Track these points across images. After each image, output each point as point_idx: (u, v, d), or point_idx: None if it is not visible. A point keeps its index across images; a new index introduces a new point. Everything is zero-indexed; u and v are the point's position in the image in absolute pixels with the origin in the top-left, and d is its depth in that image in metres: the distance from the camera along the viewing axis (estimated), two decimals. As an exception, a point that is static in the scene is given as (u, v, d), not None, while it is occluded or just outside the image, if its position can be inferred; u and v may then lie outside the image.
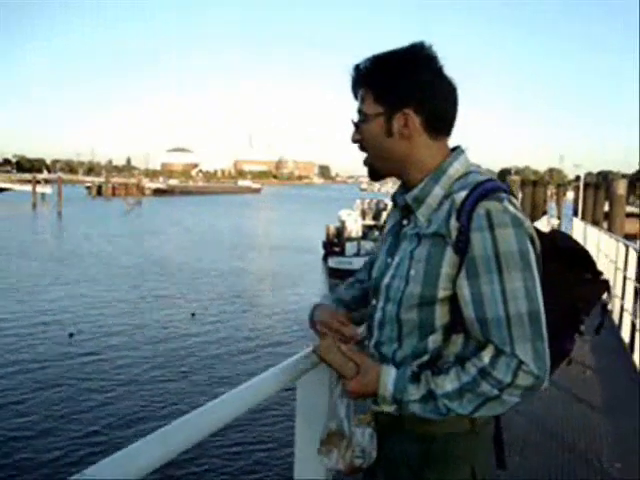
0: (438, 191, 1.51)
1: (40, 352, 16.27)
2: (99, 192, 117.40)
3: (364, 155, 1.61)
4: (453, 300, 1.45)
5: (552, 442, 4.40)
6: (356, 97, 1.59)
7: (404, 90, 1.52)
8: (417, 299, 1.46)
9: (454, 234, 1.41)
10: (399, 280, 1.50)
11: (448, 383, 1.40)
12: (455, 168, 1.53)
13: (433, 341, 1.47)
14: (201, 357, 16.37)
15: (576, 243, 1.67)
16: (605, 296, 1.62)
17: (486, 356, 1.38)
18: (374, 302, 1.59)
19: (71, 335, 17.77)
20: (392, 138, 1.53)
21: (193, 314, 20.76)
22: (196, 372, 15.09)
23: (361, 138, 1.58)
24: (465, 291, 1.41)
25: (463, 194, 1.44)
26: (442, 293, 1.44)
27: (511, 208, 1.41)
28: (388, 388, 1.45)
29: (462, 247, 1.40)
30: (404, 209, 1.59)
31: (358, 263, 23.43)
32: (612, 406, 5.23)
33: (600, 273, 1.62)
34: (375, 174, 1.63)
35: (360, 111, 1.57)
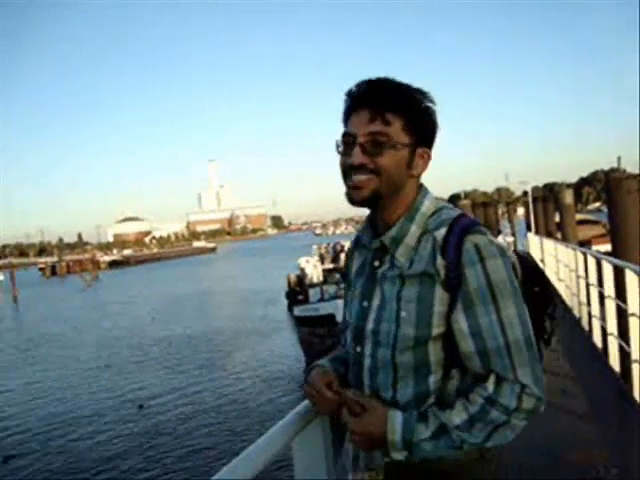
0: (415, 230, 1.50)
1: None
2: (53, 272, 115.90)
3: (360, 178, 1.47)
4: (445, 337, 1.45)
5: (546, 459, 4.36)
6: (371, 117, 1.47)
7: (433, 129, 1.54)
8: (412, 341, 1.44)
9: (442, 272, 1.43)
10: (388, 324, 1.48)
11: (456, 416, 1.39)
12: (426, 206, 1.53)
13: (433, 381, 1.46)
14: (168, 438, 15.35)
15: (529, 260, 1.73)
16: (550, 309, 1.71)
17: (490, 385, 1.40)
18: (359, 349, 1.56)
19: None
20: (409, 171, 1.51)
21: (141, 406, 18.45)
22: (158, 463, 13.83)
23: (373, 162, 1.47)
24: (463, 325, 1.42)
25: (443, 231, 1.46)
26: (436, 331, 1.44)
27: (495, 240, 1.44)
28: (397, 429, 1.41)
29: (453, 284, 1.42)
30: (377, 250, 1.56)
31: (324, 308, 23.23)
32: (597, 413, 5.24)
33: (547, 286, 1.73)
34: (365, 200, 1.51)
35: (379, 133, 1.46)
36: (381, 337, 1.49)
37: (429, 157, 1.54)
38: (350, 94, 1.52)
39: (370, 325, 1.52)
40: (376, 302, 1.52)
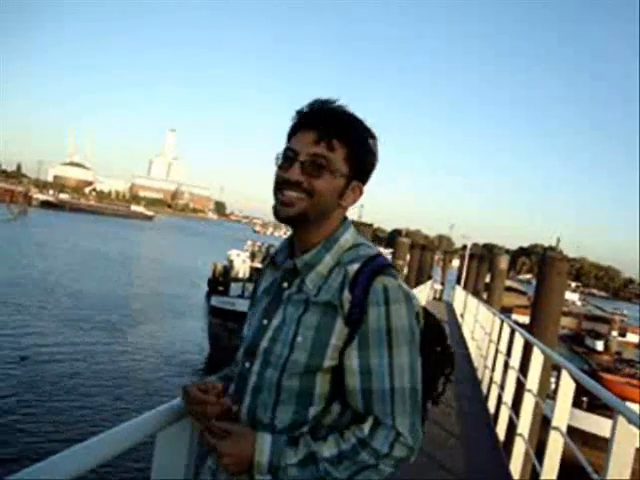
0: (328, 260, 1.51)
1: None
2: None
3: (292, 194, 1.47)
4: (334, 371, 1.44)
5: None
6: (317, 139, 1.48)
7: (371, 168, 1.56)
8: (302, 368, 1.43)
9: (346, 306, 1.43)
10: (282, 345, 1.46)
11: (326, 449, 1.38)
12: (346, 238, 1.55)
13: (313, 412, 1.44)
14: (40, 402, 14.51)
15: (435, 318, 1.72)
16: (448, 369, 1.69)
17: (366, 427, 1.40)
18: (247, 365, 1.53)
19: None
20: (339, 200, 1.53)
21: (23, 358, 17.44)
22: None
23: (309, 182, 1.48)
24: (354, 362, 1.42)
25: (356, 266, 1.46)
26: (327, 363, 1.43)
27: (404, 285, 1.46)
28: (265, 451, 1.38)
29: (354, 319, 1.41)
30: (288, 272, 1.55)
31: (241, 305, 23.11)
32: (474, 476, 5.31)
33: (449, 347, 1.70)
34: (291, 218, 1.49)
35: (322, 156, 1.48)
36: (272, 357, 1.47)
37: (361, 192, 1.57)
38: (300, 112, 1.53)
39: (264, 343, 1.51)
40: (276, 322, 1.51)
